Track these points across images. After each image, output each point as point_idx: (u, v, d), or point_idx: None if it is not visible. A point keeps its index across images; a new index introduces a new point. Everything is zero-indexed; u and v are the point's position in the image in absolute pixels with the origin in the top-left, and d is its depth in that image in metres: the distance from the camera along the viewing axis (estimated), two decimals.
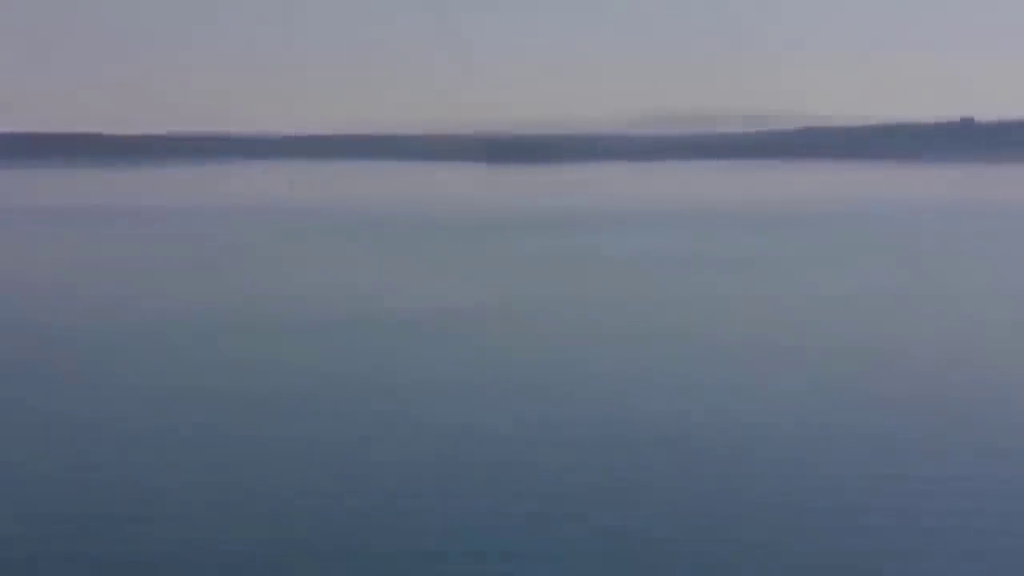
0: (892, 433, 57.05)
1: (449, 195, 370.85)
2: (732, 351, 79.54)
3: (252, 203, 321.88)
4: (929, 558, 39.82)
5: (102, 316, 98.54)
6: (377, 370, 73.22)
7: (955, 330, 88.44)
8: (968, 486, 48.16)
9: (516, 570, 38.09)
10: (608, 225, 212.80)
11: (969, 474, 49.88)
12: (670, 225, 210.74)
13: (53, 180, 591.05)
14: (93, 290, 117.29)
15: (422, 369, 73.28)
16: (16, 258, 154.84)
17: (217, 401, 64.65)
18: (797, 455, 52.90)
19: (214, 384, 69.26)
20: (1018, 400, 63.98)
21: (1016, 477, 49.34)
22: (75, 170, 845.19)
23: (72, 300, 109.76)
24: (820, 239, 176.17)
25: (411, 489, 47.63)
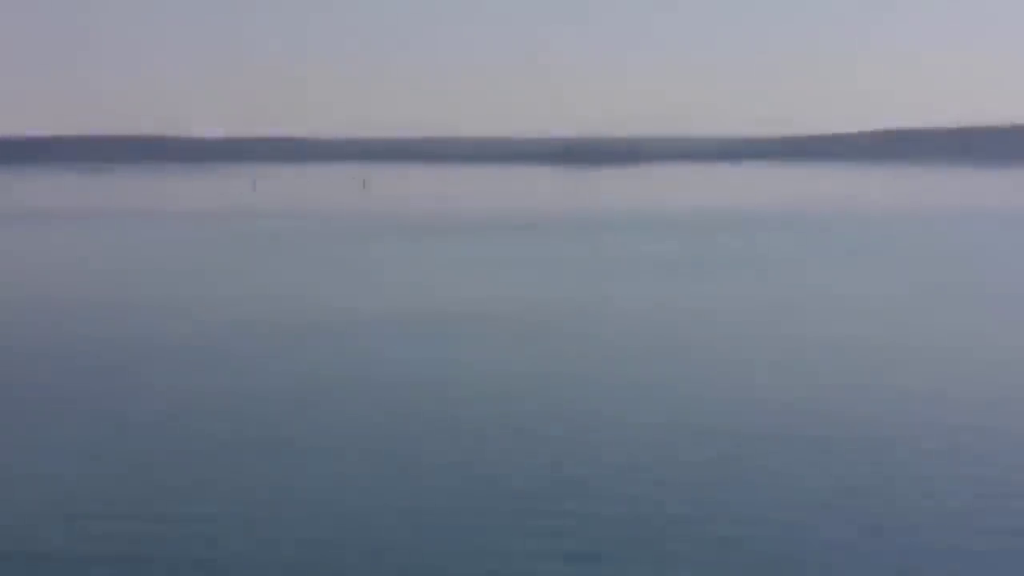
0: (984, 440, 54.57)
1: (523, 196, 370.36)
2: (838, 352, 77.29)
3: (325, 206, 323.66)
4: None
5: (209, 312, 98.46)
6: (464, 367, 71.93)
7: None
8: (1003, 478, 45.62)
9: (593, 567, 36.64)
10: (684, 226, 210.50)
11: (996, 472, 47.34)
12: (755, 226, 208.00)
13: (157, 182, 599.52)
14: (192, 288, 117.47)
15: (503, 368, 71.88)
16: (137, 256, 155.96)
17: (312, 397, 63.68)
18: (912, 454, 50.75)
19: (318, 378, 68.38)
20: None
21: None
22: (147, 172, 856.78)
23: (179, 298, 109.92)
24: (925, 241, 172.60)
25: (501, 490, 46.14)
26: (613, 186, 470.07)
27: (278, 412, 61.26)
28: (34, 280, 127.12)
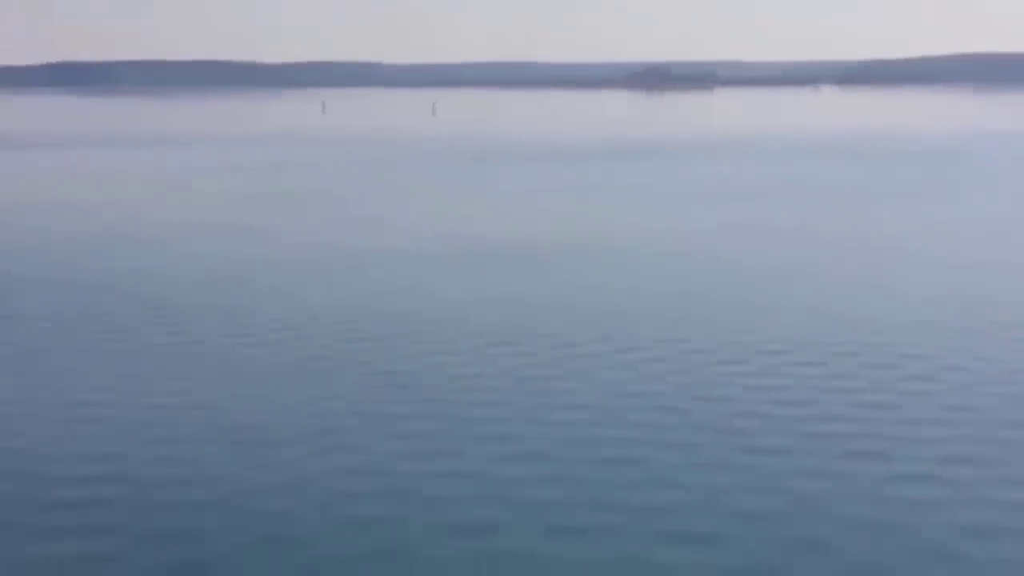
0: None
1: (595, 121, 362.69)
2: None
3: (399, 128, 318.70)
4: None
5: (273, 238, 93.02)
6: (544, 294, 65.42)
7: None
8: None
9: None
10: (764, 151, 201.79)
11: None
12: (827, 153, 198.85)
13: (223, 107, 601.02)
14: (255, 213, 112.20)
15: (588, 294, 65.18)
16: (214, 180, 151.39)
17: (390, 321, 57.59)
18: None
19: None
20: None
21: None
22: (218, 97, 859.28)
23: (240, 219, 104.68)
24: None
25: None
26: (688, 110, 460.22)
27: (333, 337, 55.15)
28: (108, 202, 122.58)
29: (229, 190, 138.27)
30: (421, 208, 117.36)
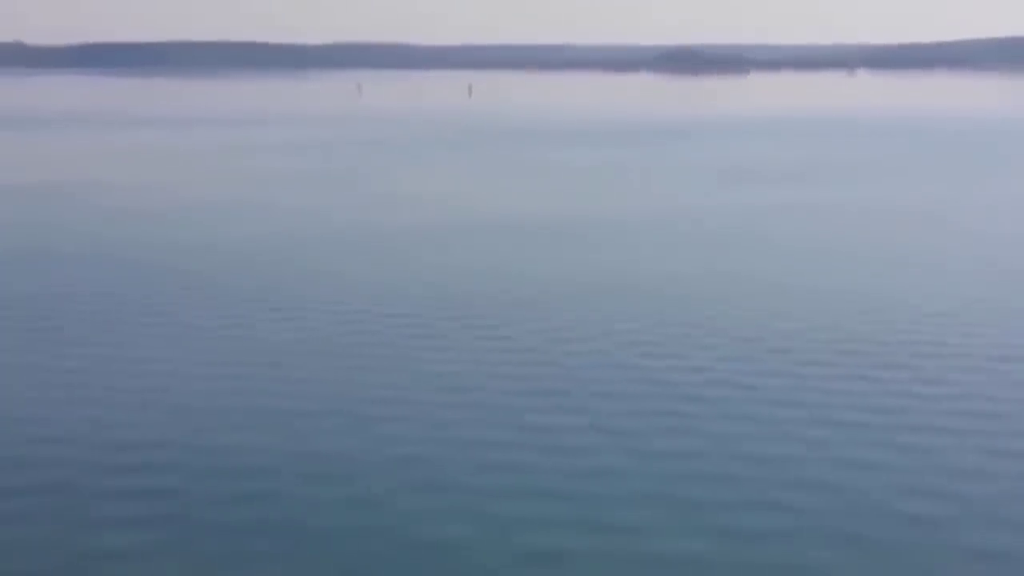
0: None
1: (626, 103, 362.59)
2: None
3: (429, 109, 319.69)
4: None
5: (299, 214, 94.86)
6: (571, 272, 66.96)
7: None
8: None
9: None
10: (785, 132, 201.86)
11: None
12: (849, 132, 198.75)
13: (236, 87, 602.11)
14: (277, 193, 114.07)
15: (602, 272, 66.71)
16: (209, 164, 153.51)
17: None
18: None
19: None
20: None
21: None
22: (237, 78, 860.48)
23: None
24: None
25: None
26: (724, 92, 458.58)
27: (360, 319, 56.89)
28: (142, 181, 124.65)
29: (263, 169, 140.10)
30: (455, 186, 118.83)
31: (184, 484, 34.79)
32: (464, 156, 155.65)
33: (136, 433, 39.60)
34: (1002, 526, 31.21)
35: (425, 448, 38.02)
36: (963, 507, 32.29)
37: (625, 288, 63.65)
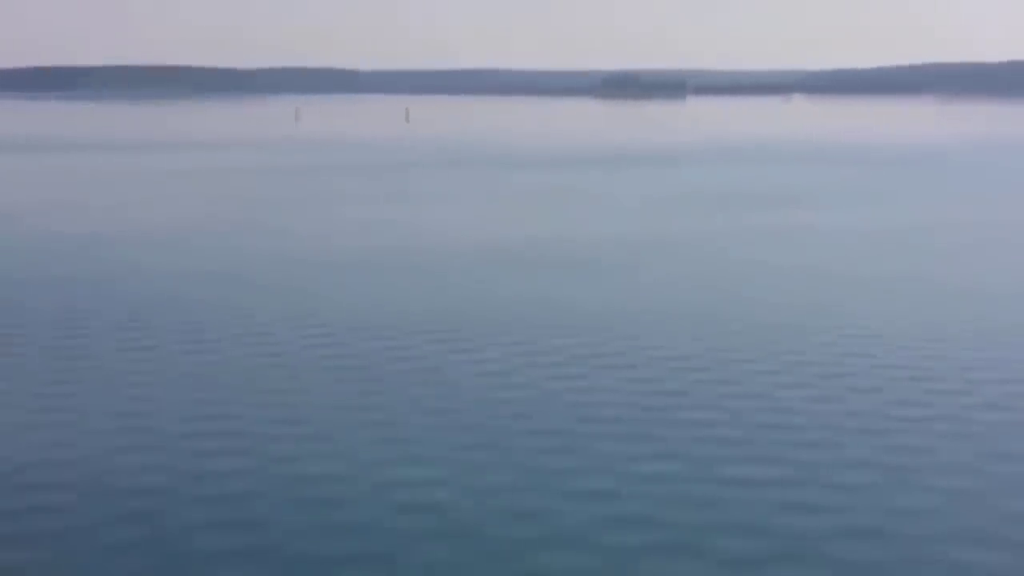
0: None
1: (566, 129, 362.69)
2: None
3: (368, 135, 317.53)
4: None
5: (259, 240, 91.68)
6: (514, 301, 64.55)
7: None
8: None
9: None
10: (718, 159, 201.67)
11: None
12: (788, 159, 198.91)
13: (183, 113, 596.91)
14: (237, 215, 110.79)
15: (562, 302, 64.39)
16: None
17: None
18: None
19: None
20: None
21: None
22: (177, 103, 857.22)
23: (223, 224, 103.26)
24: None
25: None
26: (663, 118, 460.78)
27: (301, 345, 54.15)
28: (66, 210, 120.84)
29: (194, 194, 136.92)
30: (388, 214, 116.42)
31: (166, 508, 33.98)
32: (402, 182, 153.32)
33: (110, 458, 38.29)
34: (997, 544, 29.39)
35: (408, 471, 37.28)
36: (953, 520, 30.39)
37: (571, 313, 61.41)
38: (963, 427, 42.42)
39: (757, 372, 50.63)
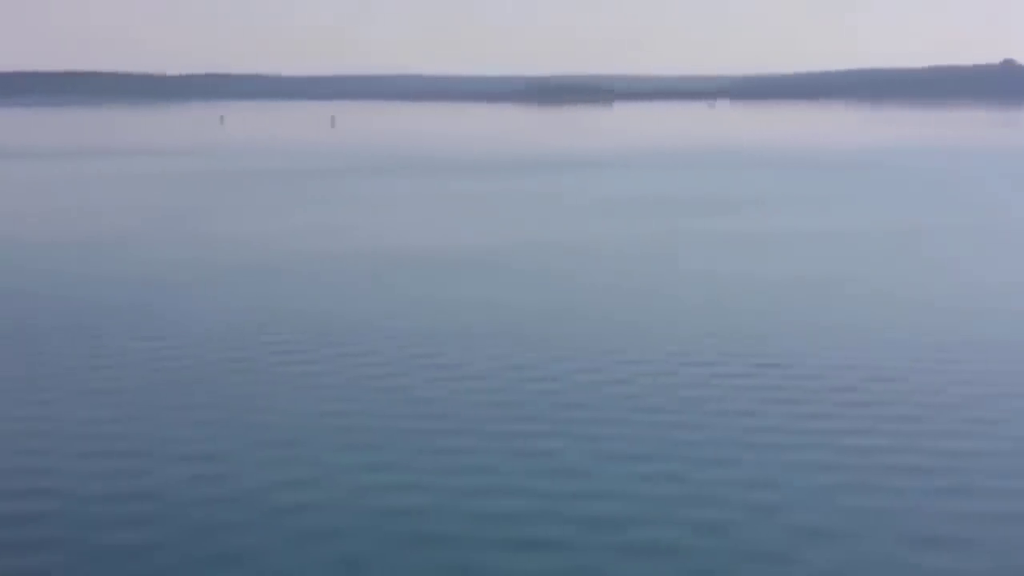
0: None
1: (493, 135, 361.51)
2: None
3: (294, 141, 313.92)
4: None
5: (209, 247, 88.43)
6: (446, 309, 62.38)
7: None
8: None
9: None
10: (658, 165, 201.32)
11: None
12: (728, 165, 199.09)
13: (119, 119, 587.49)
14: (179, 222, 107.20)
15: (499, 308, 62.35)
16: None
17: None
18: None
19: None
20: None
21: None
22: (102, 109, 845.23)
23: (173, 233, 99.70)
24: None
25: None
26: (589, 123, 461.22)
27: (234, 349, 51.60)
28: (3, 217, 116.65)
29: (105, 203, 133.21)
30: (315, 219, 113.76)
31: (158, 517, 33.16)
32: (331, 188, 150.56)
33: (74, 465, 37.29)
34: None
35: (375, 477, 36.73)
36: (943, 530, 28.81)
37: (509, 317, 59.44)
38: (913, 426, 42.10)
39: (707, 375, 49.03)
